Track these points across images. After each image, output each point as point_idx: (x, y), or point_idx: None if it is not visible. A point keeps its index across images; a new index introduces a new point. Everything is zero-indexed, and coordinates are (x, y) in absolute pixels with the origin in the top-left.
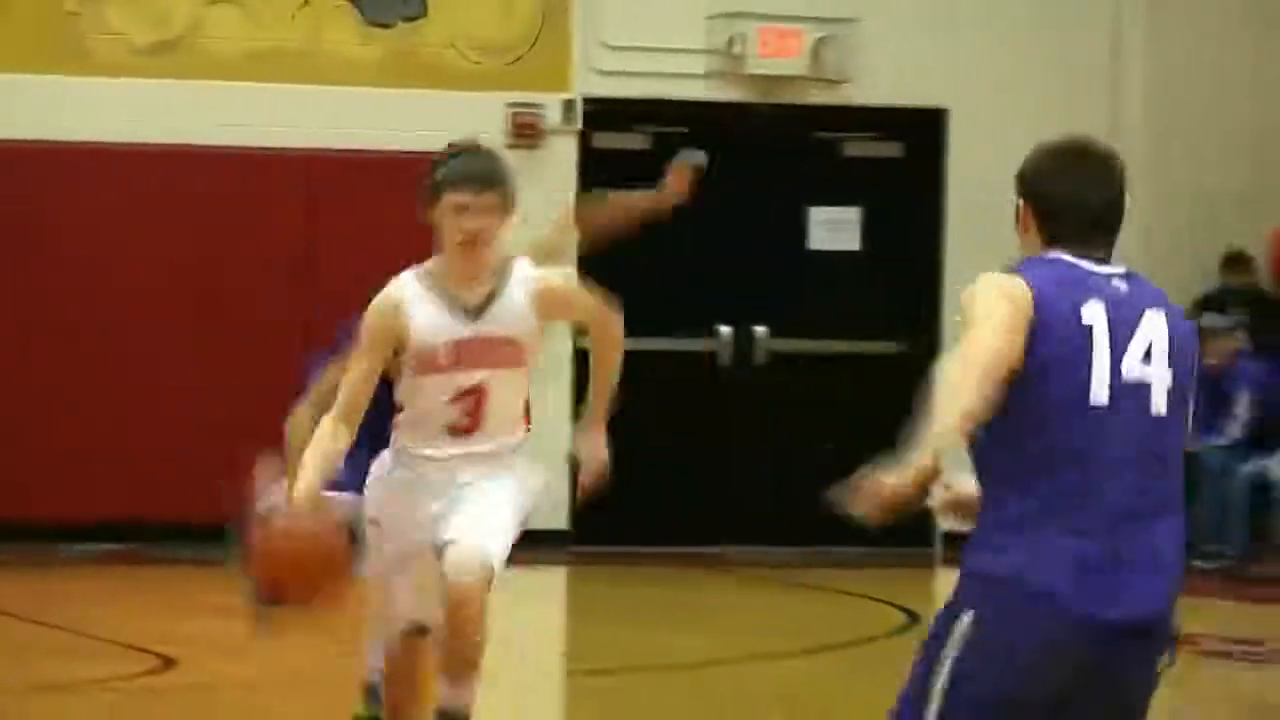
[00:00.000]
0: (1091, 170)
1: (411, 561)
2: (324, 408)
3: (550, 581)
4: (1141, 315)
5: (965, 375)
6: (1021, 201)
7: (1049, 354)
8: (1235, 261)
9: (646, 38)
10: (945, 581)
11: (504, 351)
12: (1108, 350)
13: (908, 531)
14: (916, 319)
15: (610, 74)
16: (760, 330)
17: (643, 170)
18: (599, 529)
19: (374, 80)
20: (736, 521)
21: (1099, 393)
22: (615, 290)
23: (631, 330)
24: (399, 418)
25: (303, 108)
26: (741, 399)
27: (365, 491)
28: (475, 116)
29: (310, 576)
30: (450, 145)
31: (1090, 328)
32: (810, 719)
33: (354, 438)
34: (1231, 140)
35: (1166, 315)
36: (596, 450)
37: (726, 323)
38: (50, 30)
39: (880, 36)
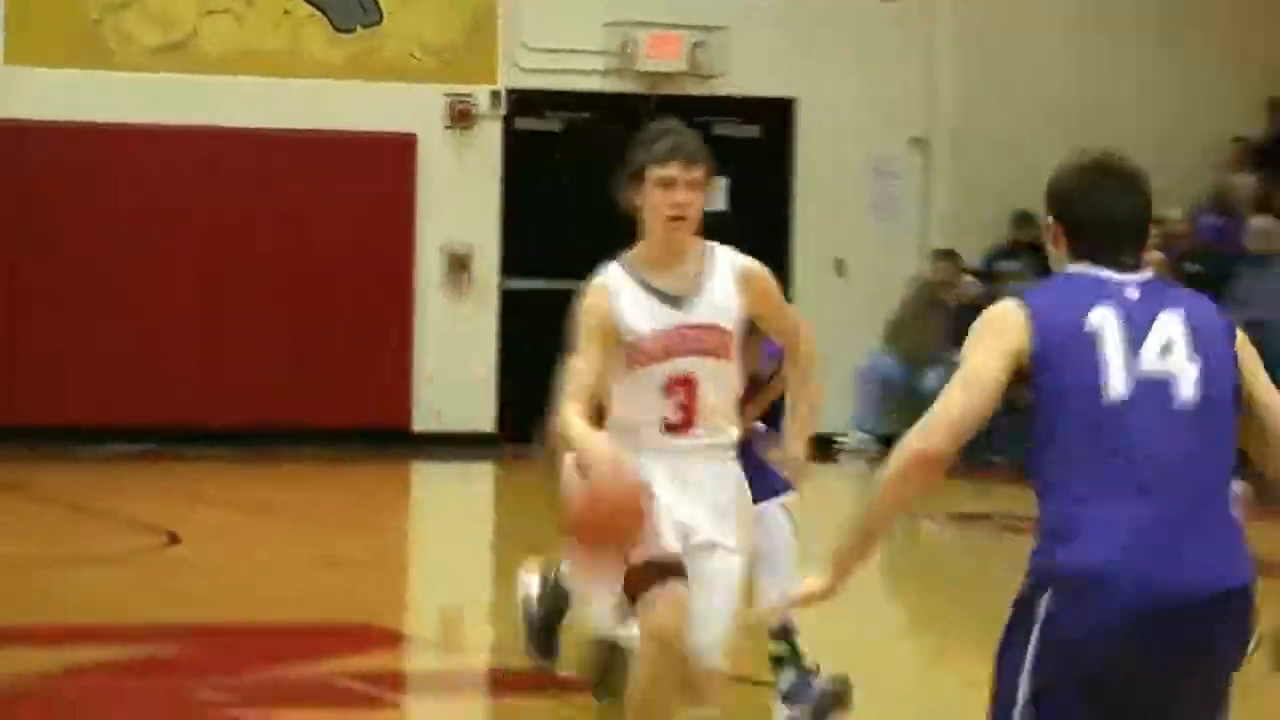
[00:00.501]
0: (1114, 185)
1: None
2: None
3: (482, 474)
4: (1156, 316)
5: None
6: (1050, 219)
7: (1056, 361)
8: (1023, 220)
9: (558, 41)
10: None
11: (711, 341)
12: (1121, 351)
13: None
14: (772, 264)
15: (529, 70)
16: None
17: (553, 148)
18: (526, 431)
19: (340, 75)
20: None
21: (1116, 390)
22: (542, 241)
23: (548, 272)
24: (610, 420)
25: (282, 97)
26: None
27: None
28: (420, 104)
29: (625, 521)
30: (651, 125)
31: (1094, 333)
32: None
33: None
34: (1035, 118)
35: (1187, 311)
36: (799, 454)
37: None
38: (79, 34)
39: (744, 40)
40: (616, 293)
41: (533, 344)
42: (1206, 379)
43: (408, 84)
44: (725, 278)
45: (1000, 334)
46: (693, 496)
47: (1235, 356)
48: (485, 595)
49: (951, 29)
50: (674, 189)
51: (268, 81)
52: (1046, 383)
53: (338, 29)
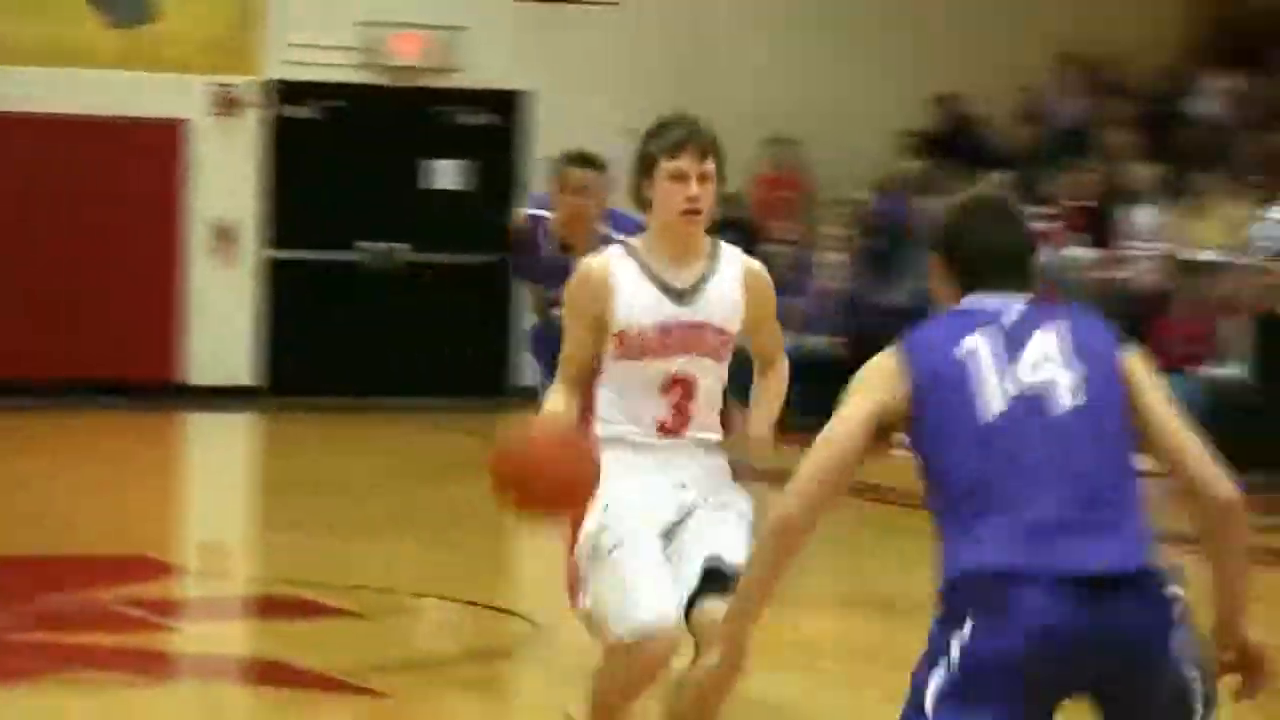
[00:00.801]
0: (991, 217)
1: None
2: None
3: (244, 423)
4: (1032, 334)
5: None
6: (933, 256)
7: (932, 397)
8: (726, 199)
9: (316, 38)
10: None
11: (711, 340)
12: (994, 370)
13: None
14: (507, 239)
15: (290, 63)
16: (395, 245)
17: (311, 133)
18: (288, 385)
19: (119, 66)
20: (385, 380)
21: (993, 408)
22: (302, 215)
23: (309, 244)
24: (600, 411)
25: (66, 86)
26: (384, 294)
27: None
28: (192, 93)
29: (559, 483)
30: (661, 117)
31: (964, 360)
32: (420, 498)
33: (578, 405)
34: (733, 112)
35: (1066, 327)
36: (765, 438)
37: (370, 239)
38: None
39: (482, 39)
40: (616, 277)
41: (294, 307)
42: (1087, 384)
43: (180, 75)
44: (733, 277)
45: (870, 388)
46: (685, 486)
47: (1119, 361)
48: (246, 530)
49: (662, 30)
50: (686, 182)
51: (51, 71)
52: (927, 417)
53: (119, 24)
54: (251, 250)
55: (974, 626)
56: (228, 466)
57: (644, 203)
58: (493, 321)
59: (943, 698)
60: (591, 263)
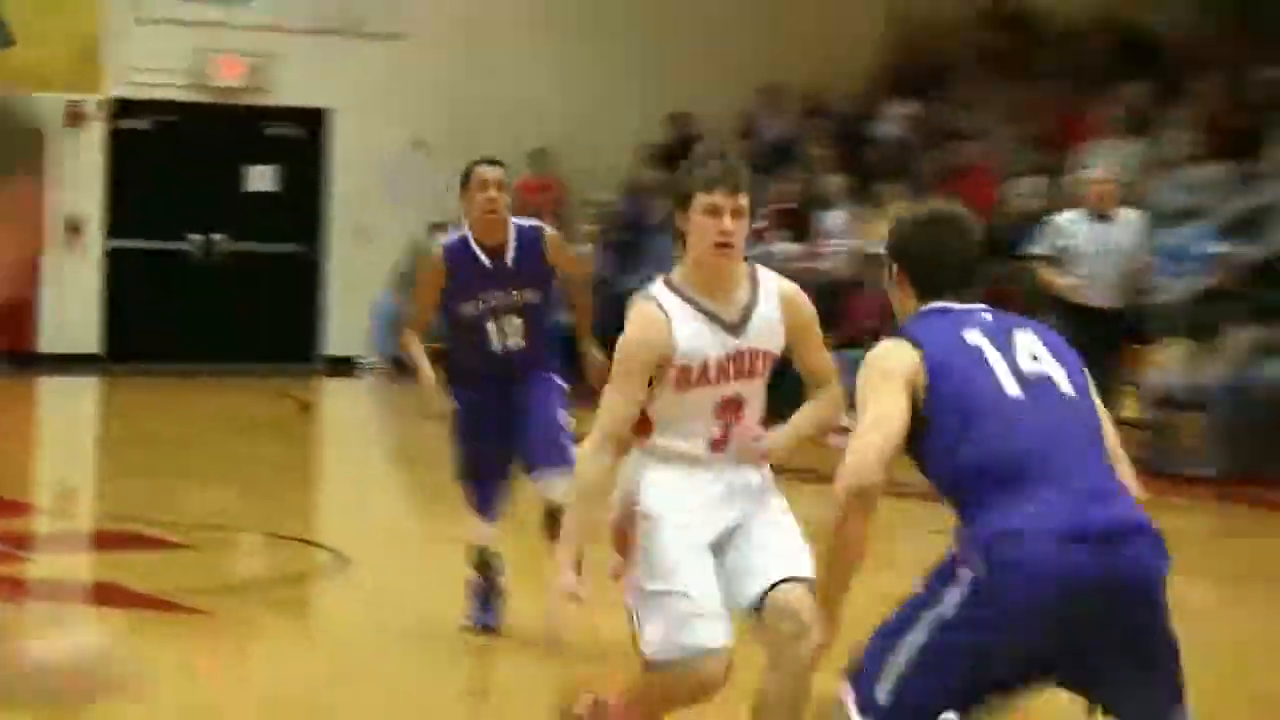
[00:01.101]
0: (949, 231)
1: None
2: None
3: (89, 385)
4: (1012, 332)
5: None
6: (895, 267)
7: (950, 372)
8: None
9: (153, 61)
10: (327, 384)
11: (761, 365)
12: (1001, 359)
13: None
14: (312, 232)
15: (130, 84)
16: (217, 236)
17: (147, 143)
18: (127, 354)
19: None
20: (210, 349)
21: (1011, 388)
22: (139, 212)
23: (145, 235)
24: (654, 436)
25: None
26: (209, 277)
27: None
28: (44, 108)
29: None
30: (696, 151)
31: (978, 346)
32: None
33: (618, 460)
34: (503, 120)
35: (1033, 330)
36: (775, 448)
37: (196, 232)
38: None
39: (291, 65)
40: (673, 320)
41: (132, 287)
42: (1072, 378)
43: (37, 93)
44: (771, 302)
45: (889, 372)
46: (736, 497)
47: (1082, 369)
48: (91, 476)
49: (440, 59)
50: (720, 216)
51: None
52: (946, 390)
53: None
54: (96, 240)
55: (1005, 563)
56: (75, 422)
57: (679, 235)
58: (300, 299)
59: (968, 625)
60: (644, 308)
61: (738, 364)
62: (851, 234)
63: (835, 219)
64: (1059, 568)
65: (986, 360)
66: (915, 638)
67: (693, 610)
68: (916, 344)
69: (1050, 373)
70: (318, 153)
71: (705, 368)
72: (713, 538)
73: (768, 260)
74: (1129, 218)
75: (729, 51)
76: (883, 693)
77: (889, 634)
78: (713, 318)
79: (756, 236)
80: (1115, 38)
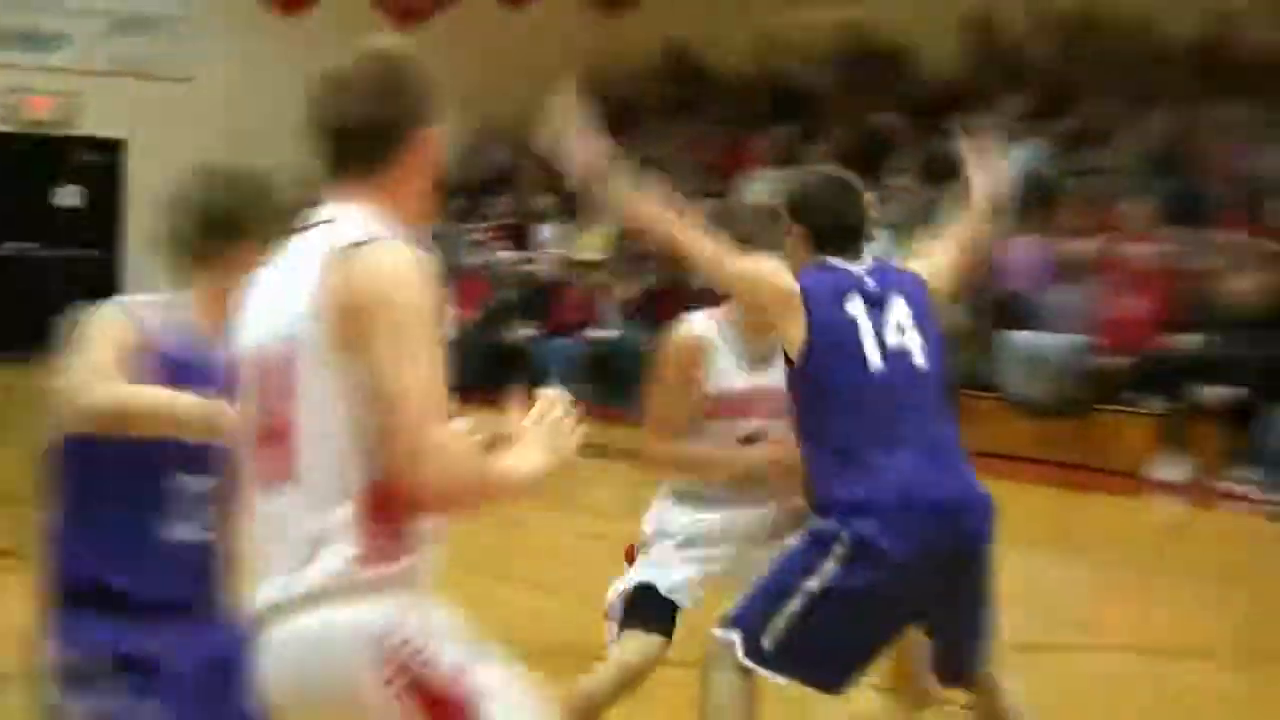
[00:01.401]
0: (844, 192)
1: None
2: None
3: None
4: (888, 299)
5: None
6: (794, 225)
7: (826, 342)
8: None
9: None
10: None
11: (785, 402)
12: (871, 332)
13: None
14: (112, 238)
15: None
16: (32, 244)
17: None
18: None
19: None
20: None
21: (874, 361)
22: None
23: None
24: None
25: None
26: (24, 278)
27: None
28: None
29: None
30: (726, 202)
31: (854, 318)
32: None
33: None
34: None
35: (907, 292)
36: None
37: (14, 241)
38: None
39: (94, 101)
40: (711, 347)
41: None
42: (929, 351)
43: None
44: None
45: (777, 270)
46: (757, 527)
47: (936, 321)
48: None
49: (221, 98)
50: None
51: None
52: (819, 358)
53: None
54: None
55: (870, 537)
56: None
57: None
58: (100, 297)
59: (836, 583)
60: (686, 330)
61: (765, 401)
62: (559, 244)
63: (546, 231)
64: (906, 540)
65: (857, 332)
66: (793, 606)
67: (656, 564)
68: (805, 299)
69: (910, 346)
70: (116, 177)
71: (729, 398)
72: (696, 574)
73: (493, 265)
74: None
75: (455, 85)
76: (768, 643)
77: (770, 599)
78: (748, 355)
79: (481, 245)
80: (768, 89)
